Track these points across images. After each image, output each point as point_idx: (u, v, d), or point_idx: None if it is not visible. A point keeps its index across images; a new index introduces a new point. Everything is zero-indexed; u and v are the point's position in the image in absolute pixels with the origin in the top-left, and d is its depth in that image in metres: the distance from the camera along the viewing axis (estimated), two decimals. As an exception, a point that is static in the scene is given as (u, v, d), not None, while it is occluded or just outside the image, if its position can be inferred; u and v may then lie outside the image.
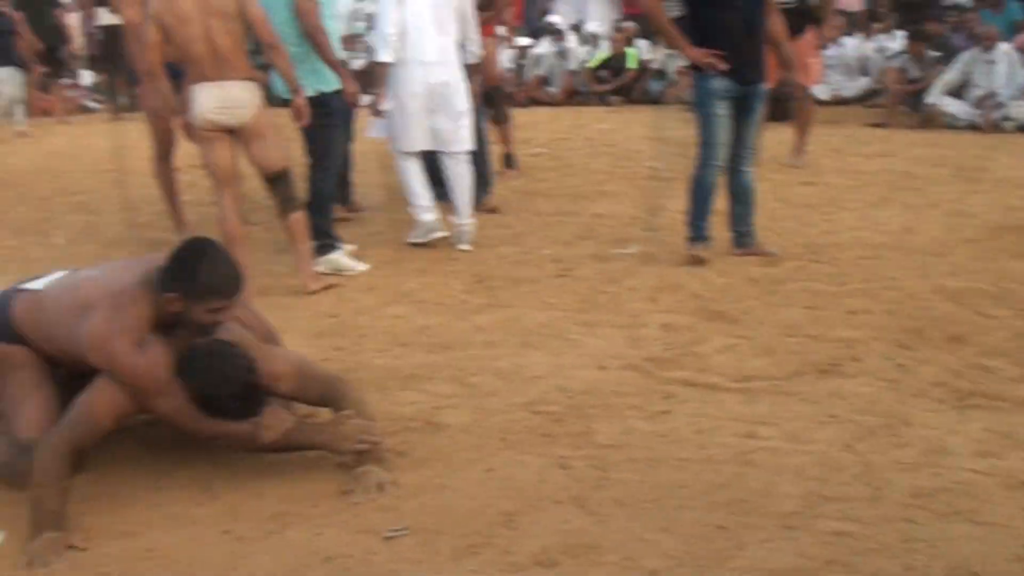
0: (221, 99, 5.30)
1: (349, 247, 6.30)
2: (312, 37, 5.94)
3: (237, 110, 5.35)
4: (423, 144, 6.45)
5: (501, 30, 11.35)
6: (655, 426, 3.77)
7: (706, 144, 5.79)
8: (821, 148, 9.52)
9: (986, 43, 11.06)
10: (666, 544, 2.92)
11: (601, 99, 14.71)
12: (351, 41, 10.52)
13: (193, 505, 3.34)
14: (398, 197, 6.96)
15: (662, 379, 4.23)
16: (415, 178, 6.50)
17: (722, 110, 5.73)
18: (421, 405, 4.04)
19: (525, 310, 5.26)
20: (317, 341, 4.83)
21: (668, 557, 2.85)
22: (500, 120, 8.80)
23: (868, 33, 13.87)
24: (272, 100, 5.82)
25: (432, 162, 6.64)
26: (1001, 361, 4.29)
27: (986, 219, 6.88)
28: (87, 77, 17.05)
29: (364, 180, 8.16)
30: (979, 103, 11.00)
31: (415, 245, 6.58)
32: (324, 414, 3.64)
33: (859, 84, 13.46)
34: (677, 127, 5.80)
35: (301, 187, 5.88)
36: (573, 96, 15.20)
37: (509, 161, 9.13)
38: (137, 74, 6.68)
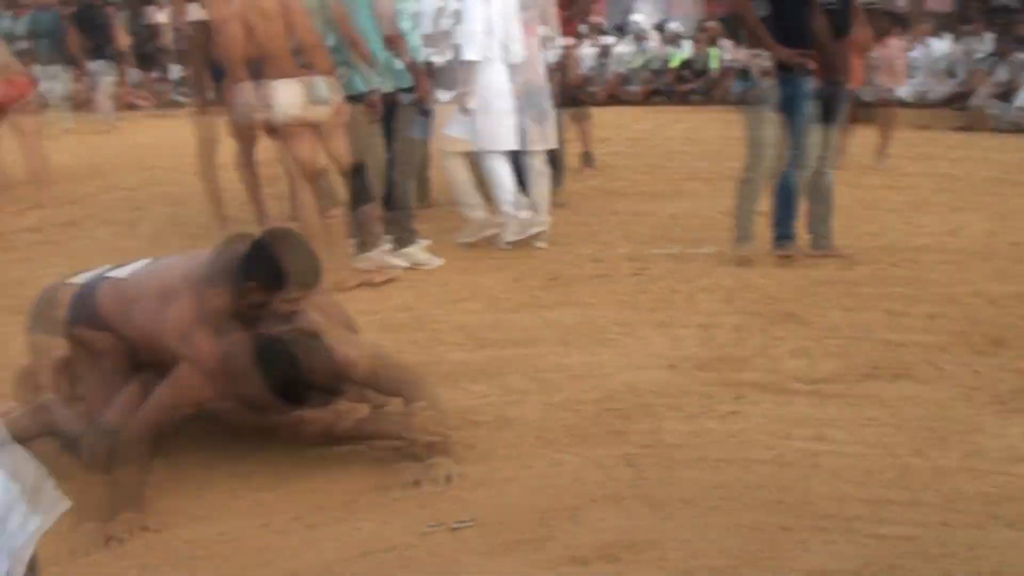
0: (304, 95, 5.41)
1: (425, 242, 6.37)
2: (389, 40, 6.02)
3: (319, 105, 5.45)
4: (510, 143, 6.44)
5: (583, 28, 11.37)
6: (724, 426, 3.76)
7: (792, 145, 5.77)
8: (904, 150, 9.38)
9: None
10: (729, 543, 2.91)
11: (682, 99, 14.65)
12: (436, 39, 10.57)
13: (265, 492, 3.41)
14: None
15: (733, 380, 4.22)
16: (505, 176, 6.46)
17: (808, 110, 5.70)
18: (491, 399, 4.08)
19: (599, 308, 5.28)
20: (392, 334, 4.89)
21: (731, 556, 2.84)
22: (580, 118, 8.83)
23: (957, 35, 13.63)
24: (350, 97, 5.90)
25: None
26: (1083, 370, 4.20)
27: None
28: (176, 71, 17.39)
29: (441, 177, 8.21)
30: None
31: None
32: (395, 404, 3.69)
33: (946, 87, 13.23)
34: (761, 128, 5.75)
35: (377, 183, 5.96)
36: (654, 95, 15.16)
37: (587, 159, 9.16)
38: (221, 70, 6.81)
